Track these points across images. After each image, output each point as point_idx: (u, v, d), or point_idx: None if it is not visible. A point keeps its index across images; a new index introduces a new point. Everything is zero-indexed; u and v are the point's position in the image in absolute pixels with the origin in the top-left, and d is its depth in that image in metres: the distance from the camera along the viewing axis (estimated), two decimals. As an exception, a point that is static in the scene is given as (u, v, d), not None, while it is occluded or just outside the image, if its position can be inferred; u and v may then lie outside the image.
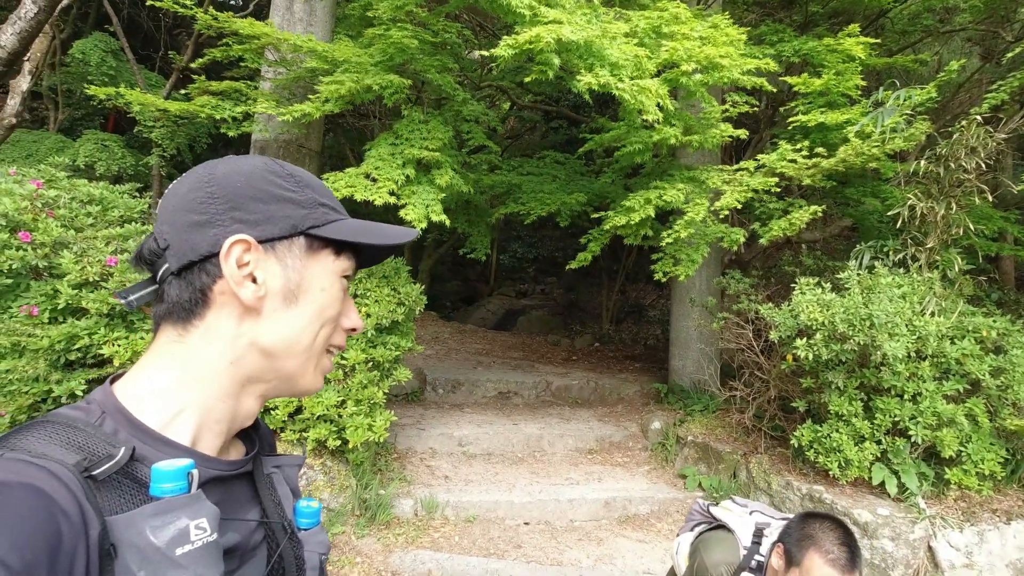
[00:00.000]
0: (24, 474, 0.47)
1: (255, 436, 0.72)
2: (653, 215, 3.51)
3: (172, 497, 0.51)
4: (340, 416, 3.35)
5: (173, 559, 0.49)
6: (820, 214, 3.57)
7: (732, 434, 4.63)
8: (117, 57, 8.54)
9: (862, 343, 3.20)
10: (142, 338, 3.23)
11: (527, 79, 2.93)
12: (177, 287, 0.60)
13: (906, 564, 3.31)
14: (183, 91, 4.24)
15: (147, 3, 3.78)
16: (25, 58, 5.77)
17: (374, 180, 3.25)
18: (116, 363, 3.18)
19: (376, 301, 3.35)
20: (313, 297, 0.63)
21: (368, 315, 3.31)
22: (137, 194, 4.15)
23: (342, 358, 3.32)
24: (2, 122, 5.64)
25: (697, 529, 1.82)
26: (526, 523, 4.02)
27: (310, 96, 3.34)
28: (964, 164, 3.34)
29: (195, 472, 0.54)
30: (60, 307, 3.18)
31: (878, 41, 3.80)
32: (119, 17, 8.67)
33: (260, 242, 0.60)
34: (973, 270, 4.25)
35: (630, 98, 2.84)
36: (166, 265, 0.60)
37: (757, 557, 1.59)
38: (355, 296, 3.43)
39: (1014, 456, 3.77)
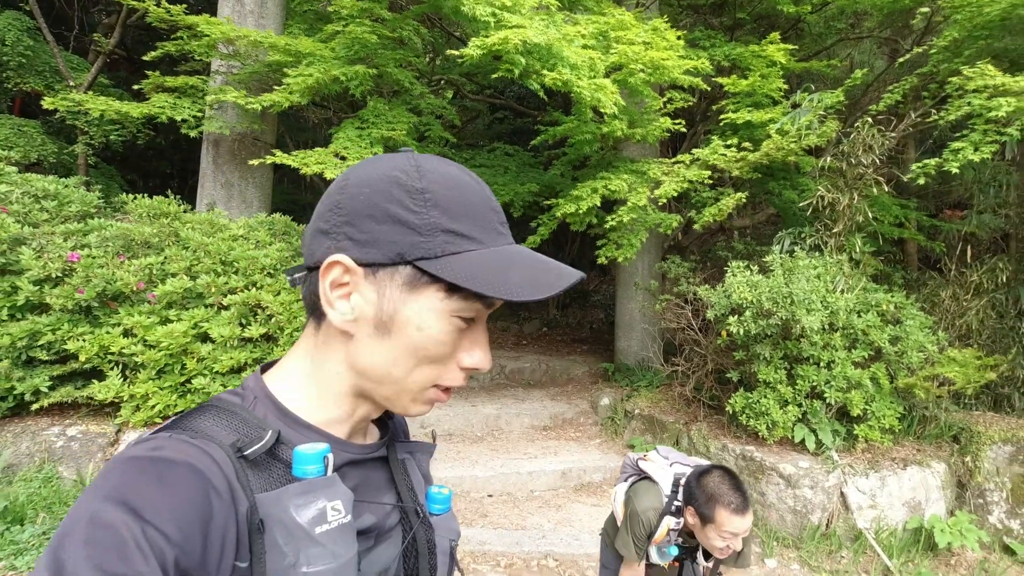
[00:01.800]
0: (186, 453, 0.51)
1: (388, 423, 0.74)
2: (599, 203, 3.83)
3: (313, 479, 0.55)
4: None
5: (313, 537, 0.52)
6: (743, 201, 4.00)
7: (675, 406, 5.07)
8: (34, 37, 8.03)
9: (784, 318, 3.64)
10: (108, 332, 3.24)
11: (493, 75, 3.16)
12: (306, 286, 0.63)
13: (823, 508, 3.82)
14: (136, 86, 4.14)
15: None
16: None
17: (343, 159, 3.39)
18: (82, 358, 3.19)
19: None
20: (407, 335, 0.59)
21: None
22: (84, 187, 4.07)
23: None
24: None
25: (630, 480, 2.08)
26: (490, 495, 4.29)
27: (276, 88, 3.41)
28: (863, 160, 3.85)
29: (330, 456, 0.57)
30: (20, 303, 3.15)
31: (796, 47, 4.26)
32: (39, -2, 8.13)
33: (362, 265, 0.58)
34: (877, 252, 4.83)
35: (587, 95, 3.12)
36: None
37: (676, 502, 1.86)
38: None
39: (911, 412, 4.38)
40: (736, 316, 3.84)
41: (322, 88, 3.38)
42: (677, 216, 4.23)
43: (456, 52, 3.14)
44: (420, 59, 5.29)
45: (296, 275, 0.65)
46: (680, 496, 1.87)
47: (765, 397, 4.02)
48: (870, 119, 3.86)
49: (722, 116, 4.14)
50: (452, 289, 0.58)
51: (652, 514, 1.88)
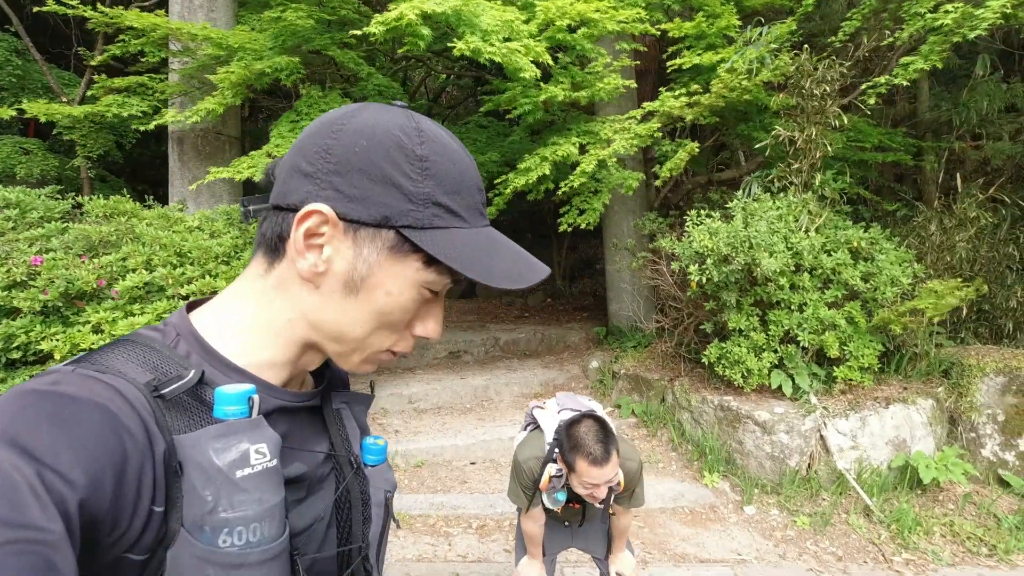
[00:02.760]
0: (91, 390, 0.47)
1: (325, 372, 0.71)
2: (548, 171, 3.77)
3: (234, 420, 0.52)
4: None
5: (234, 481, 0.49)
6: (697, 150, 3.89)
7: (659, 363, 5.03)
8: (23, 57, 8.29)
9: (745, 262, 3.56)
10: (79, 330, 3.39)
11: (400, 51, 3.12)
12: (269, 223, 0.59)
13: (800, 452, 3.76)
14: (89, 92, 4.26)
15: (42, 9, 3.79)
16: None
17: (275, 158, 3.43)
18: (57, 356, 3.34)
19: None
20: (375, 297, 0.58)
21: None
22: (59, 196, 4.22)
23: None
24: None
25: (528, 430, 2.07)
26: (472, 463, 4.36)
27: (212, 93, 3.46)
28: (815, 92, 3.69)
29: (256, 397, 0.54)
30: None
31: None
32: (21, 15, 8.36)
33: (344, 220, 0.56)
34: (866, 187, 4.63)
35: (500, 59, 3.06)
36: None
37: (557, 450, 1.83)
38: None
39: (898, 351, 4.24)
40: (697, 265, 3.76)
41: (251, 82, 3.40)
42: (638, 174, 4.14)
43: (358, 32, 3.12)
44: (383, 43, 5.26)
45: (253, 207, 0.61)
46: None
47: (738, 346, 3.95)
48: (808, 47, 3.67)
49: (669, 63, 4.01)
50: (430, 262, 0.57)
51: (534, 463, 1.88)
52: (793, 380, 3.93)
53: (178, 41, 4.20)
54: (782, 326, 3.86)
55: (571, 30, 3.97)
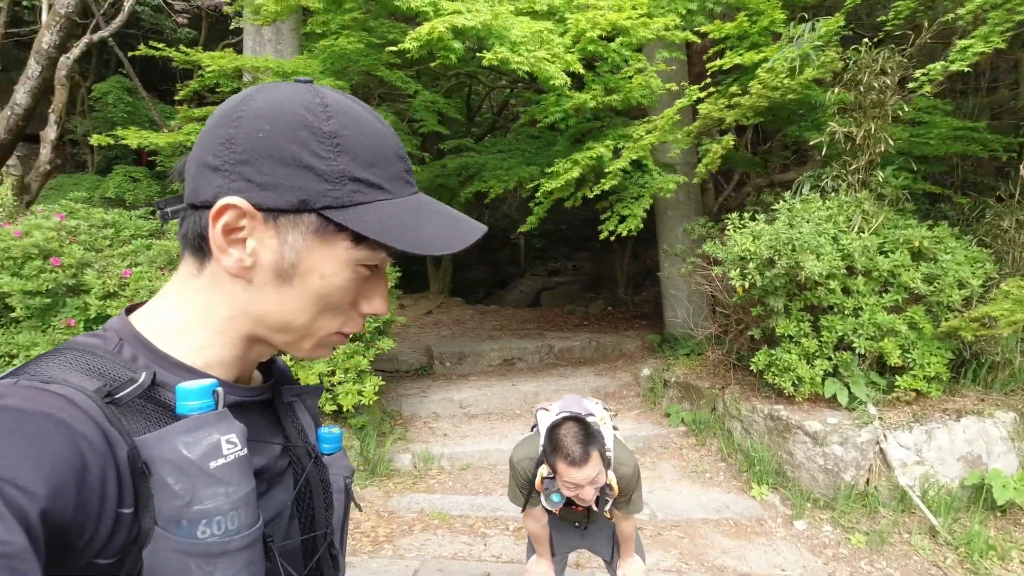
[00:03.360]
0: (40, 401, 0.46)
1: (272, 367, 0.72)
2: (579, 174, 3.80)
3: (202, 414, 0.52)
4: (332, 384, 3.84)
5: (209, 472, 0.49)
6: (732, 144, 3.76)
7: (710, 371, 4.89)
8: (133, 95, 9.35)
9: (788, 266, 3.42)
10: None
11: (433, 64, 3.29)
12: (188, 223, 0.58)
13: (857, 466, 3.54)
14: (172, 121, 4.78)
15: (135, 53, 4.32)
16: (50, 110, 6.51)
17: None
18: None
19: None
20: (309, 282, 0.57)
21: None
22: (150, 216, 4.76)
23: (325, 333, 3.80)
24: (38, 169, 6.39)
25: (532, 431, 2.08)
26: (517, 467, 4.43)
27: None
28: (874, 84, 3.47)
29: (220, 391, 0.54)
30: (91, 317, 3.78)
31: None
32: (133, 58, 9.44)
33: (261, 209, 0.54)
34: (935, 181, 4.31)
35: (529, 68, 3.15)
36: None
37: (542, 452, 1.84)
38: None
39: (975, 359, 3.90)
40: (739, 270, 3.66)
41: None
42: (679, 177, 4.08)
43: (393, 48, 3.31)
44: (430, 60, 5.53)
45: (170, 209, 0.60)
46: None
47: (788, 352, 3.79)
48: (868, 40, 3.45)
49: (708, 65, 3.93)
50: (359, 239, 0.56)
51: (527, 463, 1.92)
52: (849, 389, 3.72)
53: (248, 73, 4.62)
54: (836, 332, 3.67)
55: (608, 40, 4.01)
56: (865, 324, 3.59)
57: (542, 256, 13.15)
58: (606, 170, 3.75)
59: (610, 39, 3.97)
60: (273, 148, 0.53)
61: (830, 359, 3.75)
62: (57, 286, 3.78)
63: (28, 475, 0.42)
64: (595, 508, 1.92)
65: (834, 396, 3.72)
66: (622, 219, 4.13)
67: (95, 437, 0.47)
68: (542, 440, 1.89)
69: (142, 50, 4.14)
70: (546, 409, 2.05)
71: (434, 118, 4.33)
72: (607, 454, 1.87)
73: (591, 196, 3.99)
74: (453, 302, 10.18)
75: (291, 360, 3.76)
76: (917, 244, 3.61)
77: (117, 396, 0.50)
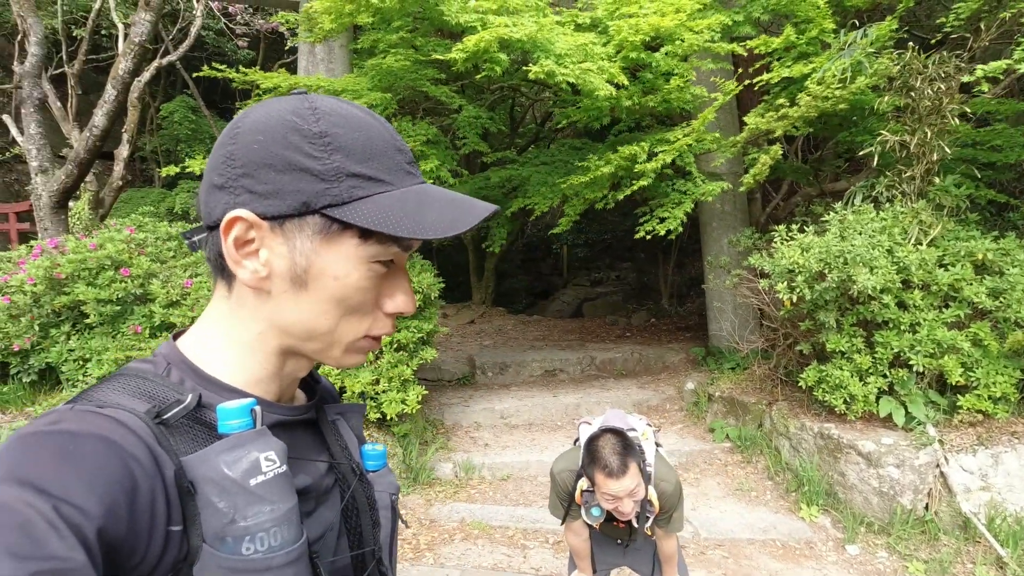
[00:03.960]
0: (93, 424, 0.48)
1: (316, 387, 0.73)
2: (609, 172, 3.77)
3: (240, 432, 0.53)
4: (376, 393, 3.94)
5: (249, 489, 0.51)
6: (783, 153, 3.66)
7: (757, 386, 4.76)
8: (197, 113, 9.91)
9: (839, 280, 3.31)
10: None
11: (478, 76, 3.36)
12: (208, 246, 0.60)
13: (915, 490, 3.37)
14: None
15: (199, 74, 4.60)
16: (123, 130, 6.98)
17: None
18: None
19: (393, 292, 3.93)
20: (324, 285, 0.58)
21: (387, 304, 3.90)
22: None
23: (370, 342, 3.91)
24: (112, 185, 6.85)
25: (575, 444, 2.09)
26: (557, 479, 4.42)
27: None
28: (928, 91, 3.32)
29: (258, 409, 0.56)
30: (156, 324, 4.02)
31: None
32: (197, 79, 10.03)
33: (266, 218, 0.56)
34: (970, 193, 4.08)
35: (575, 80, 3.17)
36: None
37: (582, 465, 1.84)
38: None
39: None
40: (787, 283, 3.56)
41: None
42: (722, 183, 4.01)
43: (441, 56, 3.40)
44: (475, 74, 5.65)
45: (196, 237, 0.62)
46: None
47: (839, 369, 3.65)
48: (913, 44, 3.31)
49: (756, 80, 3.85)
50: (366, 235, 0.57)
51: (567, 475, 1.92)
52: (906, 408, 3.55)
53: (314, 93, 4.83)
54: (891, 348, 3.51)
55: (652, 49, 4.00)
56: (923, 340, 3.43)
57: (585, 266, 13.09)
58: (636, 169, 3.71)
59: (654, 49, 3.96)
60: (268, 156, 0.55)
61: (885, 376, 3.59)
62: (126, 295, 4.04)
63: (83, 495, 0.44)
64: (635, 524, 1.91)
65: (889, 415, 3.56)
66: (661, 220, 4.08)
67: (144, 457, 0.49)
68: (582, 453, 1.91)
69: (205, 71, 4.40)
70: (588, 423, 2.06)
71: (476, 134, 4.41)
72: (647, 469, 1.87)
73: (621, 198, 3.97)
74: (495, 312, 10.25)
75: (337, 370, 3.89)
76: (981, 256, 3.43)
77: (165, 417, 0.52)
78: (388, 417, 3.94)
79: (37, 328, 4.00)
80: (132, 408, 0.52)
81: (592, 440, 1.79)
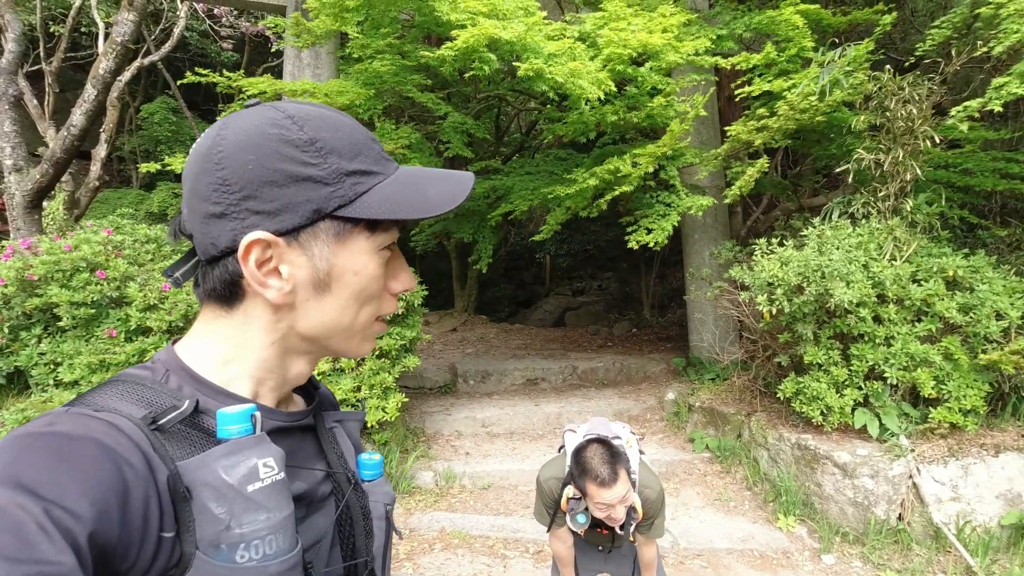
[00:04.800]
0: (87, 427, 0.48)
1: (315, 393, 0.73)
2: (594, 185, 3.82)
3: (240, 438, 0.53)
4: (357, 400, 3.90)
5: (247, 496, 0.50)
6: (766, 167, 3.75)
7: (737, 397, 4.82)
8: (178, 114, 9.78)
9: (817, 293, 3.38)
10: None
11: (467, 75, 3.38)
12: (211, 278, 0.59)
13: (888, 500, 3.44)
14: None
15: (183, 81, 4.54)
16: (101, 129, 6.85)
17: None
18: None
19: (376, 298, 3.91)
20: (347, 282, 0.59)
21: (370, 311, 3.87)
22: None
23: (352, 349, 3.88)
24: (88, 185, 6.72)
25: (559, 451, 2.11)
26: (538, 488, 4.42)
27: None
28: (900, 112, 3.43)
29: (258, 415, 0.55)
30: (132, 328, 3.94)
31: (815, 7, 3.91)
32: (178, 80, 9.91)
33: (281, 234, 0.56)
34: (976, 212, 4.21)
35: (563, 79, 3.21)
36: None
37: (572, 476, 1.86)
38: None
39: (1015, 391, 3.77)
40: (767, 296, 3.63)
41: None
42: (709, 199, 4.08)
43: (430, 55, 3.42)
44: (461, 84, 5.67)
45: (179, 272, 0.62)
46: None
47: (817, 381, 3.72)
48: (890, 67, 3.43)
49: (737, 92, 3.94)
50: (374, 226, 0.59)
51: (554, 483, 1.94)
52: (880, 420, 3.63)
53: (287, 97, 4.81)
54: (866, 361, 3.59)
55: (637, 64, 4.06)
56: (897, 354, 3.51)
57: (568, 275, 13.15)
58: (619, 175, 3.76)
59: (639, 63, 4.03)
60: (267, 173, 0.55)
61: (860, 388, 3.67)
62: (102, 298, 3.95)
63: (75, 498, 0.43)
64: (619, 531, 1.92)
65: (864, 427, 3.63)
66: (649, 231, 4.13)
67: (138, 462, 0.48)
68: (568, 461, 1.92)
69: (189, 77, 4.35)
70: (573, 431, 2.08)
71: (460, 141, 4.43)
72: (632, 476, 1.89)
73: (604, 206, 4.01)
74: (478, 320, 10.23)
75: (319, 376, 3.84)
76: (952, 273, 3.53)
77: (161, 422, 0.52)
78: (368, 424, 3.90)
79: (6, 330, 3.89)
80: (128, 413, 0.51)
81: (579, 451, 1.81)
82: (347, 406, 3.92)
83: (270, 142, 0.56)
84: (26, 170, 4.96)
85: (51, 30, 8.60)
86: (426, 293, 4.32)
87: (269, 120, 0.57)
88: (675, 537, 3.61)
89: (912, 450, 3.43)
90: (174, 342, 0.63)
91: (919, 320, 3.63)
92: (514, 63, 3.30)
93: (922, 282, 3.58)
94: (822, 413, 3.68)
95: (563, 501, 1.91)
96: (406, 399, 4.13)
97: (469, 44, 3.09)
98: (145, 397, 0.55)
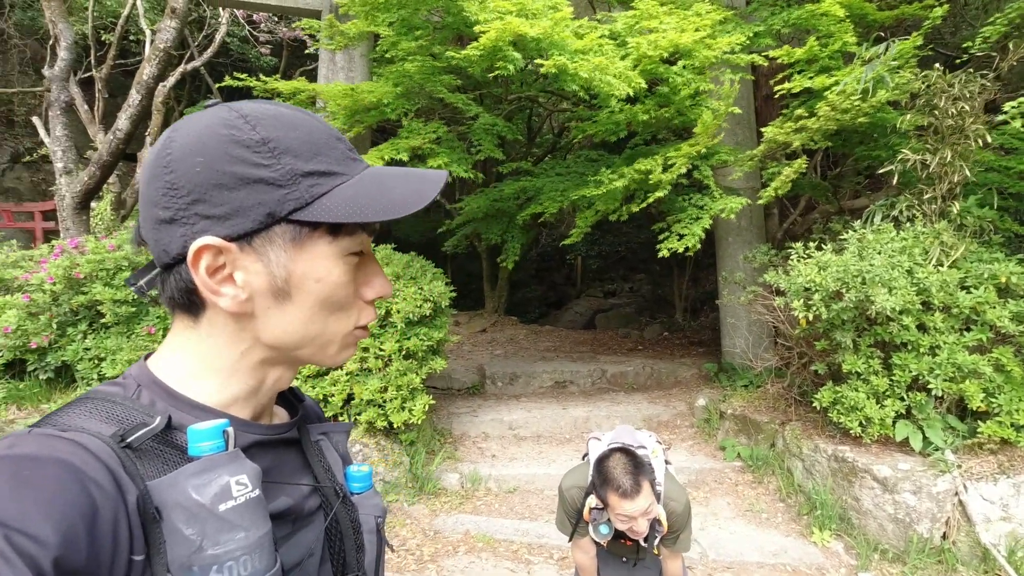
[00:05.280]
0: (52, 448, 0.46)
1: (299, 406, 0.71)
2: (622, 186, 3.75)
3: (211, 455, 0.51)
4: (384, 401, 3.94)
5: (218, 515, 0.49)
6: (804, 168, 3.61)
7: (770, 405, 4.68)
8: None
9: (856, 299, 3.25)
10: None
11: (491, 74, 3.37)
12: (169, 286, 0.57)
13: (932, 518, 3.27)
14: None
15: (222, 84, 4.67)
16: (146, 133, 7.12)
17: None
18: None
19: (403, 299, 3.92)
20: (308, 290, 0.56)
21: (397, 311, 3.89)
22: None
23: (380, 348, 3.91)
24: (133, 187, 6.98)
25: (583, 459, 2.07)
26: (564, 493, 4.37)
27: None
28: (951, 110, 3.26)
29: (230, 430, 0.54)
30: (169, 326, 4.07)
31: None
32: (220, 84, 10.21)
33: (233, 239, 0.53)
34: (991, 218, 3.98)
35: (588, 76, 3.16)
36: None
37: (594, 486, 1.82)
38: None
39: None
40: (803, 301, 3.50)
41: (361, 113, 3.93)
42: (742, 199, 3.97)
43: (457, 54, 3.41)
44: (493, 85, 5.68)
45: (143, 280, 0.59)
46: None
47: (855, 391, 3.57)
48: (939, 64, 3.25)
49: (776, 88, 3.81)
50: (336, 229, 0.56)
51: (576, 492, 1.90)
52: (924, 433, 3.46)
53: (321, 99, 4.90)
54: (909, 371, 3.43)
55: (669, 63, 3.99)
56: (943, 364, 3.34)
57: (599, 277, 13.04)
58: (651, 181, 3.70)
59: (671, 62, 3.95)
60: (216, 176, 0.53)
61: (903, 399, 3.51)
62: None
63: (38, 523, 0.42)
64: (643, 544, 1.88)
65: (906, 440, 3.47)
66: (680, 237, 4.05)
67: (106, 482, 0.46)
68: (591, 470, 1.88)
69: (228, 81, 4.47)
70: (598, 439, 2.04)
71: (491, 142, 4.43)
72: (657, 488, 1.84)
73: (636, 210, 3.94)
74: (507, 321, 10.22)
75: (347, 376, 3.89)
76: (1004, 280, 3.34)
77: (130, 440, 0.50)
78: (395, 425, 3.93)
79: (55, 326, 4.06)
80: (97, 432, 0.50)
81: (602, 460, 1.77)
82: (374, 407, 3.95)
83: (220, 143, 0.53)
84: (76, 172, 5.18)
85: (102, 38, 8.98)
86: (455, 294, 4.32)
87: (221, 120, 0.54)
88: (704, 548, 3.52)
89: (958, 466, 3.25)
90: (147, 357, 0.61)
91: (968, 329, 3.45)
92: (537, 61, 3.27)
93: (971, 289, 3.41)
94: (861, 424, 3.54)
95: (586, 511, 1.88)
96: (433, 400, 4.14)
97: (494, 42, 3.08)
98: (115, 414, 0.53)
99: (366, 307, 0.62)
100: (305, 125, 0.57)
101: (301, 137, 0.56)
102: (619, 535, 1.95)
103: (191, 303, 0.57)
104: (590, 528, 1.92)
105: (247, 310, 0.56)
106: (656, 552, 1.96)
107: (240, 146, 0.53)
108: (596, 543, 2.00)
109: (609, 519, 1.85)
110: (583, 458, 2.12)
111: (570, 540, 2.00)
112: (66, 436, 0.48)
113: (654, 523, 1.81)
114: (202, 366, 0.58)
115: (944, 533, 3.28)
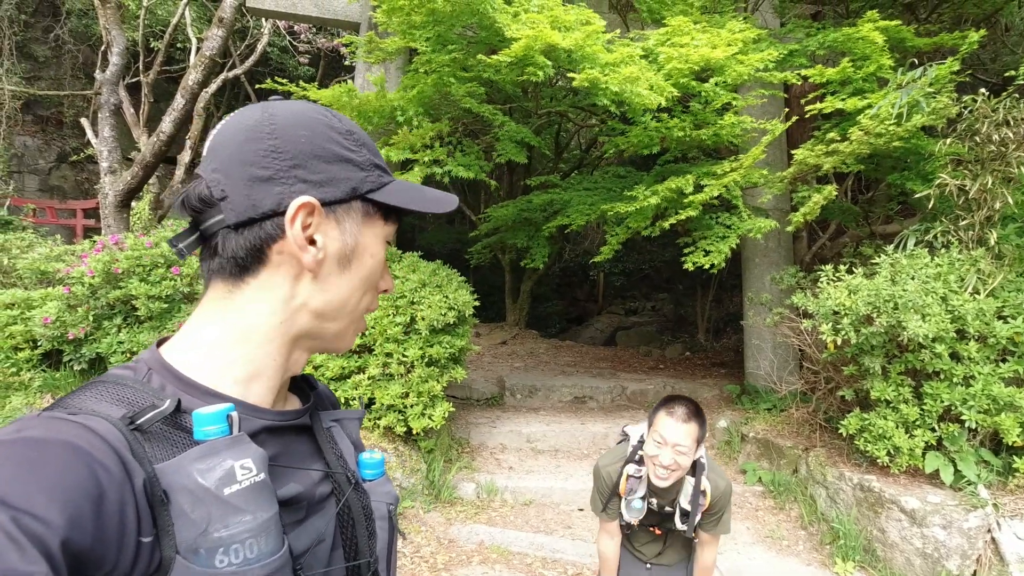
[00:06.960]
0: (60, 430, 0.47)
1: (311, 392, 0.72)
2: (655, 203, 3.76)
3: (215, 439, 0.52)
4: (405, 407, 3.97)
5: (223, 499, 0.49)
6: (834, 195, 3.57)
7: (795, 429, 4.58)
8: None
9: (887, 325, 3.18)
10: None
11: (521, 78, 3.43)
12: (234, 242, 0.59)
13: (962, 554, 3.16)
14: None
15: (261, 86, 4.83)
16: (187, 136, 7.35)
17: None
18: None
19: (429, 306, 3.96)
20: (363, 263, 0.63)
21: (422, 318, 3.93)
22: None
23: (403, 355, 3.95)
24: (172, 188, 7.20)
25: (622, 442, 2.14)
26: (580, 509, 4.32)
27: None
28: (994, 136, 3.19)
29: (235, 415, 0.54)
30: (200, 322, 4.18)
31: (895, 23, 3.71)
32: (259, 91, 10.52)
33: (324, 204, 0.59)
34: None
35: (618, 88, 3.18)
36: (219, 216, 0.58)
37: (640, 452, 1.91)
38: (411, 304, 4.06)
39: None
40: (831, 325, 3.45)
41: (385, 117, 4.05)
42: (771, 221, 3.93)
43: (487, 59, 3.47)
44: (523, 99, 5.76)
45: (186, 241, 0.61)
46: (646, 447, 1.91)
47: (884, 419, 3.49)
48: (985, 90, 3.20)
49: (808, 108, 3.78)
50: (387, 216, 0.65)
51: (613, 468, 1.97)
52: (955, 466, 3.36)
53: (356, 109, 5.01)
54: (941, 401, 3.34)
55: (702, 80, 4.00)
56: (978, 395, 3.25)
57: (621, 294, 12.98)
58: (684, 201, 3.71)
59: (704, 79, 3.96)
60: (317, 149, 0.60)
61: (933, 430, 3.41)
62: (175, 292, 4.21)
63: (45, 505, 0.42)
64: (680, 526, 1.89)
65: (936, 472, 3.37)
66: (706, 253, 4.03)
67: (113, 465, 0.47)
68: (633, 442, 1.96)
69: (267, 84, 4.62)
70: (633, 424, 2.11)
71: (514, 147, 4.48)
72: (701, 459, 1.91)
73: (667, 227, 3.94)
74: (528, 334, 10.21)
75: (369, 380, 3.93)
76: (1044, 311, 3.24)
77: (139, 422, 0.50)
78: (414, 431, 3.95)
79: (92, 319, 4.20)
80: (106, 414, 0.50)
81: (663, 401, 1.87)
82: (394, 412, 3.99)
83: (319, 124, 0.61)
84: (119, 172, 5.38)
85: (150, 45, 9.35)
86: (478, 304, 4.35)
87: (314, 108, 0.63)
88: (722, 573, 3.45)
89: (994, 503, 3.14)
90: (159, 343, 0.62)
91: (1004, 360, 3.35)
92: (569, 74, 3.32)
93: (1009, 319, 3.31)
94: (889, 454, 3.45)
95: (623, 480, 1.91)
96: (452, 408, 4.16)
97: (526, 49, 3.13)
98: (125, 396, 0.54)
99: (376, 295, 0.69)
100: (370, 140, 0.67)
101: (370, 143, 0.66)
102: (646, 523, 1.98)
103: (253, 261, 0.59)
104: (623, 504, 1.94)
105: (317, 270, 0.61)
106: (694, 535, 1.97)
107: (334, 131, 0.62)
108: (622, 530, 2.03)
109: (643, 496, 1.88)
110: (617, 443, 2.15)
111: (599, 518, 2.03)
112: (74, 419, 0.49)
113: (698, 496, 1.85)
114: (232, 335, 0.60)
115: (975, 571, 3.17)
